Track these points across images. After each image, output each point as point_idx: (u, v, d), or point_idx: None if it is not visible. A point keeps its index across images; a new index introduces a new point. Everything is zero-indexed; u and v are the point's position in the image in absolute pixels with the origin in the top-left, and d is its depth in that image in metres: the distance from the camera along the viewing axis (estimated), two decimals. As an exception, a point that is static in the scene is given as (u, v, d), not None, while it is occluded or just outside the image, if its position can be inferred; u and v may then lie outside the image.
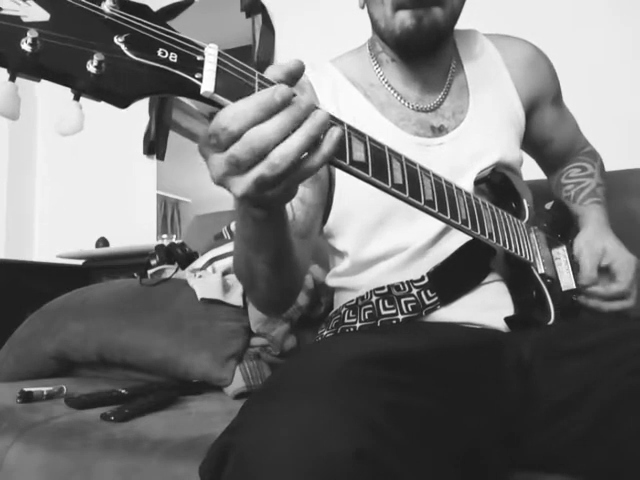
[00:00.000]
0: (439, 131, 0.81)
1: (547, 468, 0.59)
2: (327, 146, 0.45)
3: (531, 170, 1.03)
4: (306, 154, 0.44)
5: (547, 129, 0.94)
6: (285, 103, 0.42)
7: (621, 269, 0.78)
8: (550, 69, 0.92)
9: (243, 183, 0.43)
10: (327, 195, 0.81)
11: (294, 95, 0.43)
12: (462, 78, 0.86)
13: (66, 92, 0.40)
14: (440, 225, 0.76)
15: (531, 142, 0.94)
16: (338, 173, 0.80)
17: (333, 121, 0.49)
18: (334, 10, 2.19)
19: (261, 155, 0.42)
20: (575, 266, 0.81)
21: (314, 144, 0.44)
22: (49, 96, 2.75)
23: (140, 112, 2.58)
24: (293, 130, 0.43)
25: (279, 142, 0.42)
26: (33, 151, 2.87)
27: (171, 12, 2.55)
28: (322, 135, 0.44)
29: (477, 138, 0.81)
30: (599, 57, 1.85)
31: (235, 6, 2.48)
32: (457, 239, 0.75)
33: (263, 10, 2.41)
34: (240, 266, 0.65)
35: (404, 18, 0.74)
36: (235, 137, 0.42)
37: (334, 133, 0.45)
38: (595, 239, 0.82)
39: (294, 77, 0.46)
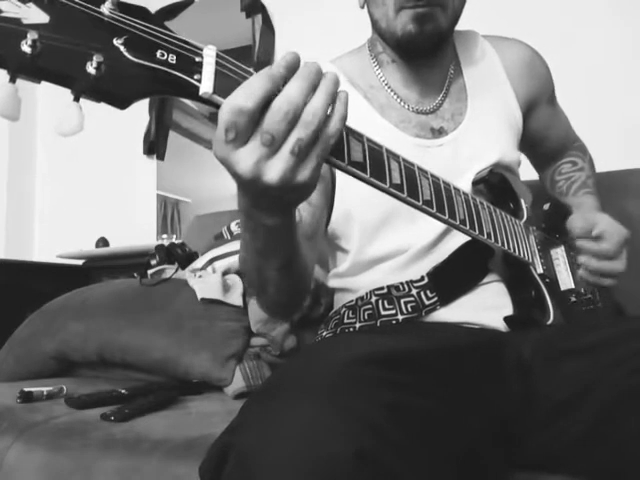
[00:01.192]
0: (439, 133, 0.81)
1: (548, 468, 0.59)
2: (341, 107, 0.45)
3: (530, 170, 1.03)
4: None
5: (542, 128, 0.95)
6: (294, 68, 0.44)
7: (610, 231, 0.76)
8: (546, 70, 0.93)
9: (280, 161, 0.42)
10: (331, 196, 0.81)
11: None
12: (461, 80, 0.86)
13: (66, 92, 0.40)
14: (441, 227, 0.76)
15: (527, 141, 0.95)
16: (338, 175, 0.80)
17: None
18: (334, 10, 2.19)
19: (294, 119, 0.42)
20: (574, 266, 0.81)
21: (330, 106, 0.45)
22: (49, 97, 2.75)
23: (140, 112, 2.58)
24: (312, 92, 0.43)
25: (304, 104, 0.43)
26: (33, 151, 2.87)
27: (171, 12, 2.55)
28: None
29: (476, 140, 0.81)
30: (598, 57, 1.85)
31: (235, 6, 2.49)
32: (457, 241, 0.76)
33: (263, 10, 2.41)
34: (251, 275, 0.65)
35: (406, 21, 0.74)
36: (255, 115, 0.41)
37: (342, 95, 0.46)
38: (587, 214, 0.81)
39: (293, 68, 0.46)
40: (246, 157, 0.42)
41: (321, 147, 0.44)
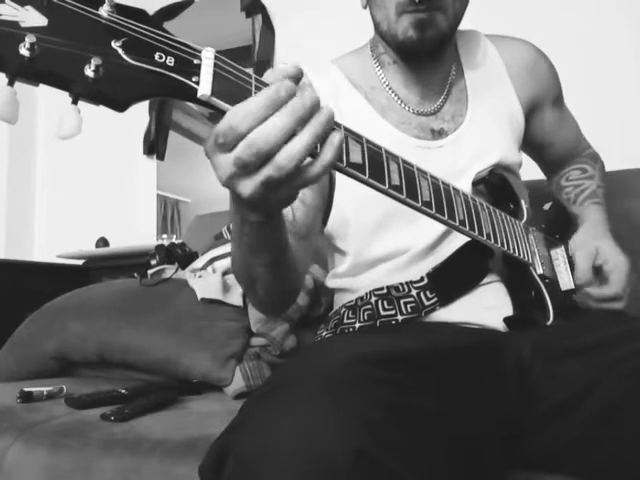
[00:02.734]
0: (439, 134, 0.81)
1: (547, 468, 0.60)
2: (328, 153, 0.44)
3: (530, 171, 1.03)
4: (309, 159, 0.44)
5: (547, 131, 0.94)
6: (292, 94, 0.42)
7: (614, 270, 0.78)
8: (551, 71, 0.92)
9: (251, 184, 0.43)
10: (327, 197, 0.81)
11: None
12: (462, 81, 0.86)
13: (66, 94, 0.40)
14: (441, 228, 0.76)
15: (531, 144, 0.94)
16: (338, 176, 0.80)
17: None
18: (334, 10, 2.19)
19: (267, 157, 0.42)
20: (573, 266, 0.81)
21: (315, 149, 0.44)
22: (50, 97, 2.75)
23: (140, 112, 2.58)
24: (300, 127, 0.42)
25: (284, 143, 0.42)
26: (33, 151, 2.87)
27: (171, 12, 2.55)
28: (321, 142, 0.44)
29: (476, 141, 0.81)
30: (598, 57, 1.85)
31: (235, 6, 2.49)
32: (457, 243, 0.76)
33: (263, 10, 2.41)
34: (239, 270, 0.65)
35: (407, 27, 0.74)
36: (242, 137, 0.42)
37: (335, 139, 0.45)
38: (589, 239, 0.82)
39: (292, 94, 0.45)
40: (224, 166, 0.43)
41: (297, 183, 0.45)
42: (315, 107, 0.43)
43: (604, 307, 0.78)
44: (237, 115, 0.41)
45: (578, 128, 1.00)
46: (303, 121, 0.42)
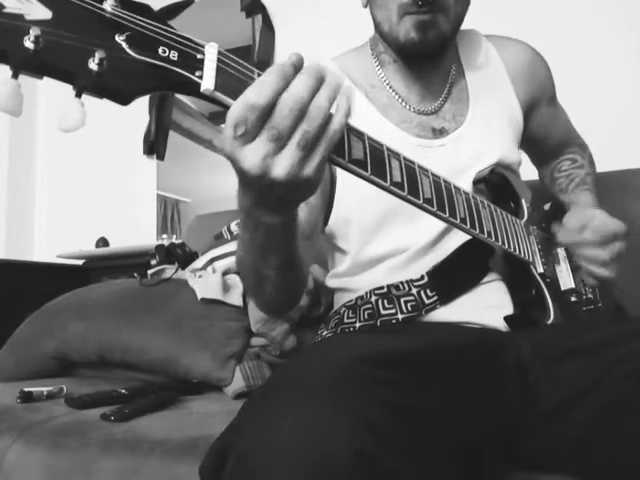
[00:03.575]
0: (440, 133, 0.81)
1: (547, 468, 0.59)
2: (345, 102, 0.46)
3: (530, 170, 1.03)
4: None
5: (542, 127, 0.96)
6: (300, 67, 0.45)
7: (603, 223, 0.75)
8: (547, 71, 0.93)
9: (287, 155, 0.44)
10: (329, 196, 0.81)
11: None
12: (462, 81, 0.86)
13: (67, 92, 0.40)
14: (440, 227, 0.76)
15: (526, 139, 0.95)
16: (339, 175, 0.80)
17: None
18: (334, 10, 2.19)
19: (299, 114, 0.43)
20: (574, 265, 0.81)
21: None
22: (50, 97, 2.75)
23: (140, 112, 2.58)
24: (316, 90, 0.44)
25: (310, 100, 0.44)
26: (33, 151, 2.86)
27: (171, 12, 2.55)
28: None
29: (477, 140, 0.81)
30: (598, 56, 1.85)
31: (235, 6, 2.49)
32: (457, 241, 0.76)
33: (263, 10, 2.41)
34: (248, 274, 0.65)
35: (409, 28, 0.74)
36: (266, 111, 0.43)
37: (345, 90, 0.47)
38: (584, 209, 0.81)
39: (299, 67, 0.47)
40: (254, 153, 0.43)
41: (326, 142, 0.45)
42: (323, 68, 0.46)
43: (587, 253, 0.74)
44: (251, 95, 0.42)
45: (568, 120, 1.02)
46: (319, 81, 0.44)
